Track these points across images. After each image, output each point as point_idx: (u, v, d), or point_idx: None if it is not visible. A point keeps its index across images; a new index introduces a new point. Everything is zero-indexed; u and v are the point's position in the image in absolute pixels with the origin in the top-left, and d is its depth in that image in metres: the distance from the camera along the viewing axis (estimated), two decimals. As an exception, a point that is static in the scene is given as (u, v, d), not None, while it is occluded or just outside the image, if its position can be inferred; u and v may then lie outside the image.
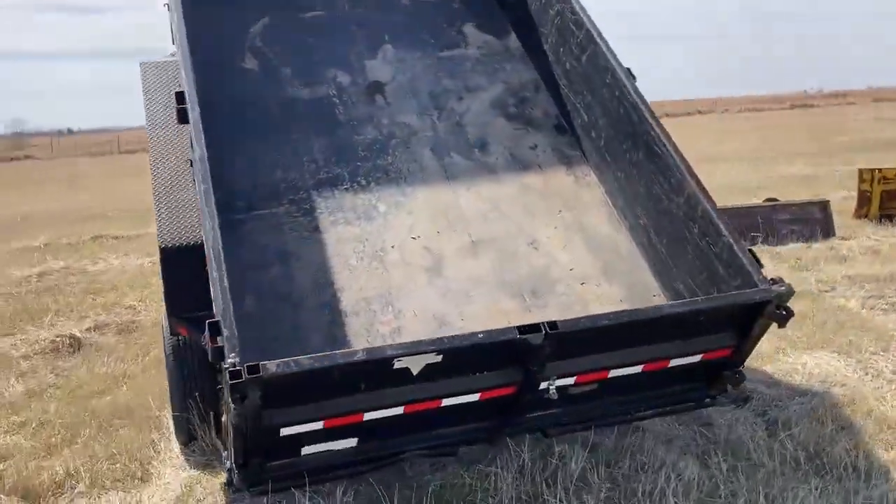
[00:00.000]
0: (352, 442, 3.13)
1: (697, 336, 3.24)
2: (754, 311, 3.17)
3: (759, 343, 3.35)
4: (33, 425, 4.95)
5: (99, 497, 4.01)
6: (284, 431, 2.93)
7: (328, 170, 4.17)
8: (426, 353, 2.83)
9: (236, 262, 3.52)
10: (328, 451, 3.11)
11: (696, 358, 3.31)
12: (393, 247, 3.87)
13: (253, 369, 2.58)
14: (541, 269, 3.82)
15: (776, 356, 5.06)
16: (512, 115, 4.54)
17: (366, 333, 3.50)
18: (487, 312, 3.62)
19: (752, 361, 4.19)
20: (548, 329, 2.87)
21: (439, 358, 2.85)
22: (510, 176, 4.26)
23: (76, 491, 4.07)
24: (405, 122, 4.47)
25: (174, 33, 4.33)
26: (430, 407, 3.07)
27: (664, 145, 3.68)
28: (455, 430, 3.31)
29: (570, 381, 3.18)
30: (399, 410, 3.02)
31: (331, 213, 3.98)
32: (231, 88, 4.42)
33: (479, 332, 2.90)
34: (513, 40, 4.91)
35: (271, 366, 2.62)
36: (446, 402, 3.08)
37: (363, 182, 4.14)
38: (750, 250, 3.30)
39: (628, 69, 3.99)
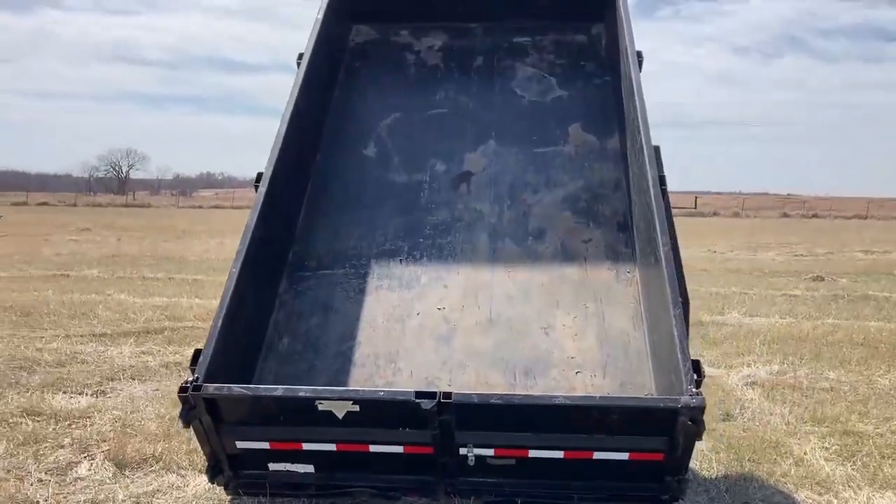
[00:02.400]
0: (309, 468, 3.78)
1: (620, 434, 3.49)
2: (666, 418, 3.34)
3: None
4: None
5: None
6: (240, 445, 3.69)
7: (392, 243, 4.88)
8: (327, 399, 3.43)
9: (289, 309, 4.58)
10: (290, 471, 3.79)
11: (624, 456, 3.59)
12: (418, 314, 4.49)
13: (196, 388, 3.42)
14: (542, 353, 4.22)
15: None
16: (580, 209, 4.95)
17: (363, 383, 4.15)
18: (474, 384, 4.10)
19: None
20: (441, 398, 3.30)
21: (356, 407, 3.38)
22: (553, 265, 4.69)
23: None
24: (476, 209, 5.04)
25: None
26: (359, 449, 3.62)
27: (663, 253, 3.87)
28: (399, 478, 3.83)
29: (490, 452, 3.55)
30: (332, 447, 3.63)
31: (380, 279, 4.70)
32: (345, 169, 5.29)
33: (381, 391, 3.41)
34: (614, 141, 5.27)
35: (210, 388, 3.45)
36: (374, 448, 3.61)
37: (417, 256, 4.80)
38: (696, 361, 3.44)
39: (659, 173, 4.23)
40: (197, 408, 3.48)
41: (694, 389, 3.33)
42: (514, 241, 4.90)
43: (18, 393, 6.33)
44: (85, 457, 4.98)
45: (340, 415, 3.47)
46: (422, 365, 4.24)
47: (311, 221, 5.07)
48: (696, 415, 3.28)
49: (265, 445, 3.73)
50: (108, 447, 5.06)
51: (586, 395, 3.68)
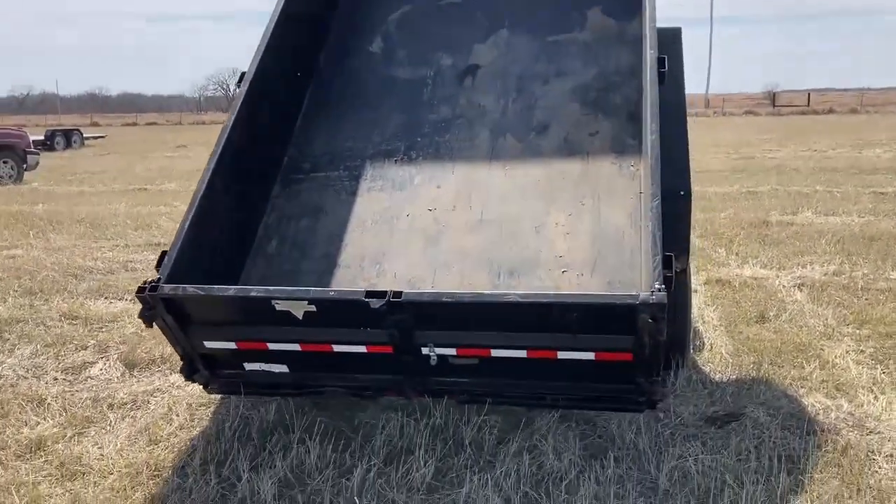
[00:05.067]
0: (284, 368, 3.78)
1: (582, 333, 3.29)
2: (626, 316, 3.10)
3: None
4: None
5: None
6: (208, 344, 3.70)
7: (390, 143, 4.71)
8: (280, 299, 3.36)
9: (280, 212, 4.52)
10: (266, 371, 3.80)
11: (589, 355, 3.41)
12: (408, 215, 4.35)
13: (153, 289, 3.40)
14: (531, 253, 4.03)
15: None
16: (589, 100, 4.62)
17: (346, 285, 4.07)
18: (458, 284, 3.97)
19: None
20: (391, 297, 3.19)
21: (312, 307, 3.30)
22: (553, 161, 4.43)
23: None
24: (480, 103, 4.80)
25: None
26: (323, 349, 3.57)
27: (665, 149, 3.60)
28: (370, 377, 3.79)
29: (452, 351, 3.44)
30: (296, 347, 3.59)
31: (373, 180, 4.56)
32: (349, 68, 5.09)
33: (332, 290, 3.32)
34: (634, 25, 4.84)
35: (167, 288, 3.42)
36: (337, 347, 3.55)
37: (413, 156, 4.63)
38: (668, 256, 3.16)
39: (661, 62, 3.89)
40: (156, 308, 3.51)
41: (658, 285, 3.09)
42: (515, 137, 4.64)
43: (63, 298, 6.63)
44: (101, 358, 5.20)
45: (299, 315, 3.44)
46: (407, 266, 4.13)
47: (309, 123, 4.96)
48: (656, 312, 3.04)
49: (232, 345, 3.74)
50: (124, 349, 5.26)
51: (539, 293, 3.48)
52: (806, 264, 7.37)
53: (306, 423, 3.94)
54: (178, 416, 4.24)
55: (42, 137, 33.13)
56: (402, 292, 3.28)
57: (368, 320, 3.38)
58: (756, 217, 9.91)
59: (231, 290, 3.54)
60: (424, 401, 4.00)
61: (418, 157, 4.63)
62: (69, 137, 32.89)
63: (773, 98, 66.99)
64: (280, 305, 3.43)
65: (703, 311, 6.00)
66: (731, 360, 4.93)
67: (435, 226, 4.28)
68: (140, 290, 3.48)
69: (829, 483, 3.37)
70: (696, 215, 10.31)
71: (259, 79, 4.47)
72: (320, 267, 4.24)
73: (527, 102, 4.76)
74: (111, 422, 4.22)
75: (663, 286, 3.11)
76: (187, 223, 3.84)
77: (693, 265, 7.45)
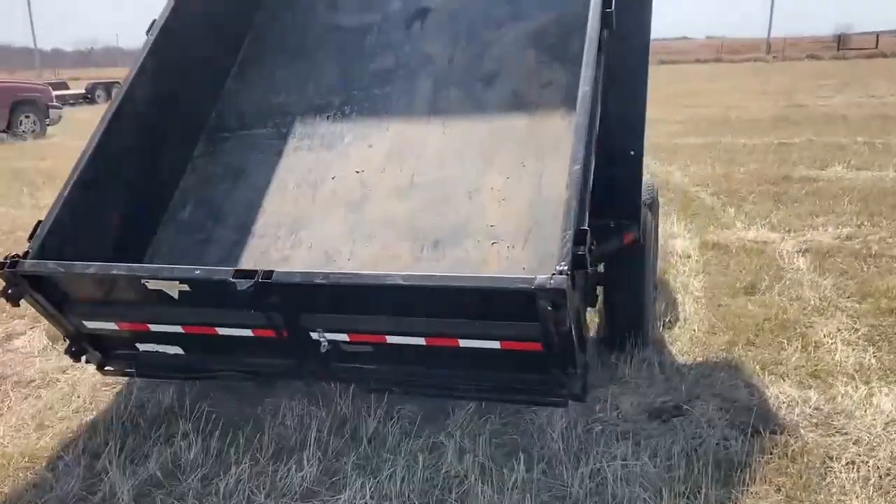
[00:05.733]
0: (178, 350, 3.46)
1: (482, 319, 2.86)
2: (525, 302, 2.64)
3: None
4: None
5: None
6: (89, 325, 3.40)
7: (324, 97, 4.29)
8: (146, 277, 3.02)
9: (200, 174, 4.14)
10: (160, 352, 3.48)
11: (495, 344, 2.97)
12: (333, 178, 3.94)
13: (13, 265, 3.12)
14: (460, 222, 3.60)
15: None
16: (546, 46, 4.12)
17: (258, 256, 3.73)
18: (377, 257, 3.61)
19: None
20: (261, 278, 2.82)
21: (186, 287, 2.98)
22: (498, 116, 3.96)
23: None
24: (426, 52, 4.33)
25: None
26: (207, 332, 3.26)
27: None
28: (264, 362, 3.42)
29: (344, 337, 3.07)
30: (178, 329, 3.27)
31: (301, 138, 4.15)
32: (292, 17, 4.67)
33: (198, 269, 2.98)
34: None
35: (27, 264, 3.13)
36: (221, 331, 3.22)
37: (346, 111, 4.19)
38: (583, 231, 2.71)
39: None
40: (21, 286, 3.18)
41: (560, 267, 2.61)
42: (460, 89, 4.15)
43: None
44: (32, 328, 4.93)
45: (174, 294, 3.07)
46: (325, 236, 3.74)
47: (243, 77, 4.57)
48: (556, 298, 2.57)
49: (114, 326, 3.40)
50: (54, 319, 4.98)
51: (424, 275, 3.02)
52: (819, 226, 6.70)
53: (200, 412, 3.59)
54: (79, 397, 3.94)
55: (83, 91, 33.42)
56: (272, 272, 2.88)
57: (243, 302, 3.00)
58: (779, 172, 9.15)
59: (92, 266, 3.17)
60: (328, 388, 3.61)
61: (352, 113, 4.21)
62: (110, 91, 33.03)
63: (839, 41, 63.63)
64: (151, 284, 3.07)
65: (689, 280, 5.43)
66: (703, 339, 4.40)
67: (361, 190, 3.87)
68: (1, 265, 3.16)
69: (767, 498, 2.88)
70: (714, 170, 9.64)
71: (171, 28, 4.06)
72: (233, 236, 3.89)
73: (476, 50, 4.27)
74: (11, 402, 3.94)
75: (567, 268, 2.63)
76: (67, 189, 3.51)
77: (693, 227, 6.88)
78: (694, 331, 4.51)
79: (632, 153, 3.65)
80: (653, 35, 3.86)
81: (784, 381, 3.83)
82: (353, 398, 3.62)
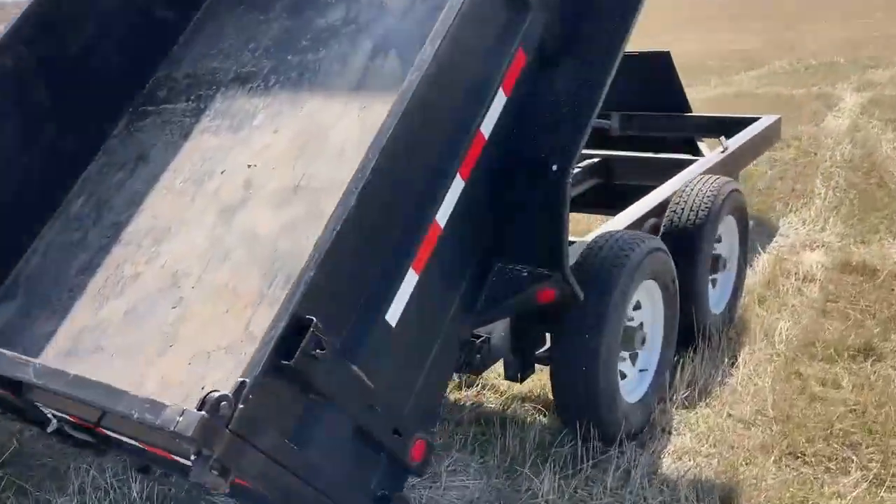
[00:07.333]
0: None
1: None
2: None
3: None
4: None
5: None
6: None
7: (256, 63, 3.62)
8: None
9: (109, 158, 3.59)
10: None
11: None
12: (223, 172, 3.25)
13: None
14: None
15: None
16: None
17: (113, 270, 3.13)
18: (221, 288, 2.77)
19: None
20: None
21: None
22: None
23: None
24: (381, 3, 3.52)
25: None
26: None
27: None
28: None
29: (69, 417, 2.47)
30: None
31: (214, 117, 3.50)
32: None
33: None
34: None
35: None
36: None
37: (271, 82, 3.50)
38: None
39: None
40: None
41: (218, 394, 1.65)
42: (404, 54, 3.22)
43: None
44: None
45: None
46: (183, 251, 3.01)
47: (193, 38, 3.83)
48: (199, 446, 1.63)
49: None
50: None
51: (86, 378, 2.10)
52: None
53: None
54: None
55: None
56: None
57: None
58: None
59: None
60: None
61: (275, 85, 3.42)
62: None
63: None
64: None
65: (777, 323, 3.91)
66: (728, 436, 3.04)
67: (242, 192, 3.06)
68: None
69: None
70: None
71: None
72: (103, 240, 3.26)
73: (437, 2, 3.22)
74: None
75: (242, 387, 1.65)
76: None
77: (856, 230, 5.12)
78: (723, 417, 3.14)
79: (553, 168, 2.47)
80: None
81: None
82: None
